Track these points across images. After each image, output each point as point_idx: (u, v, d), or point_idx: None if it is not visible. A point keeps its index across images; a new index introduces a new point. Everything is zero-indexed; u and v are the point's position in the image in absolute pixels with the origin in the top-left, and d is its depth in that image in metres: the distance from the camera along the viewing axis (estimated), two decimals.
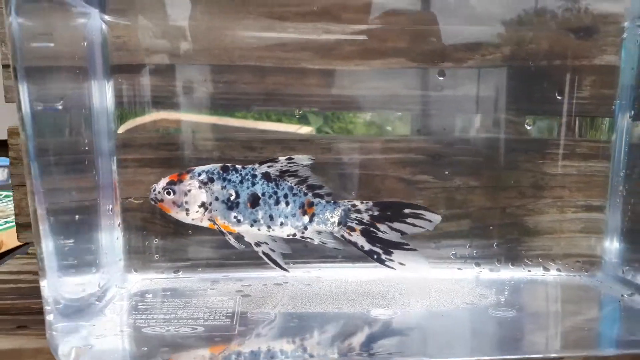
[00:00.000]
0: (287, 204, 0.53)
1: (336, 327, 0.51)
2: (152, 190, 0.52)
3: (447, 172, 0.67)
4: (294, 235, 0.54)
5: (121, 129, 0.61)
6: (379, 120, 0.68)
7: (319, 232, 0.55)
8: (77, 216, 0.52)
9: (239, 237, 0.54)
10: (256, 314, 0.52)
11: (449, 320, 0.52)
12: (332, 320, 0.52)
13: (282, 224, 0.53)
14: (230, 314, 0.52)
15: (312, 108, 0.66)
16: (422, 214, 0.53)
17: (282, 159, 0.53)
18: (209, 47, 0.63)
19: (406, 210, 0.53)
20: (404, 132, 0.69)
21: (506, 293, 0.60)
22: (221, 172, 0.53)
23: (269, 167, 0.53)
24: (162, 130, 0.64)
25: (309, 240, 0.55)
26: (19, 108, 0.43)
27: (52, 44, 0.50)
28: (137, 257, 0.62)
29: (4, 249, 1.38)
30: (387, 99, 0.67)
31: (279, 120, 0.67)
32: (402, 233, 0.54)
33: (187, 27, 0.61)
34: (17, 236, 0.75)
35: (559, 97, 0.65)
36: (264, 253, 0.53)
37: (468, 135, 0.68)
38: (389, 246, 0.54)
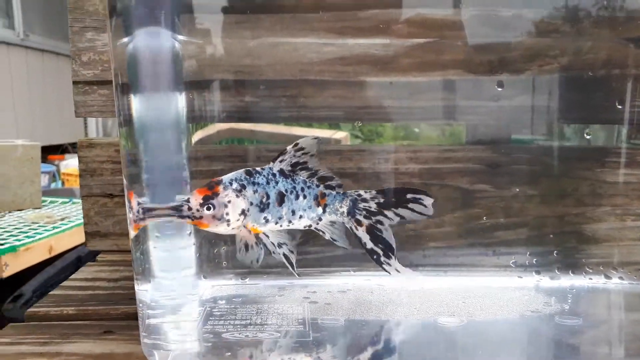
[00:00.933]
0: (305, 197, 0.55)
1: (406, 334, 0.52)
2: (183, 209, 0.51)
3: (505, 181, 0.68)
4: (310, 226, 0.56)
5: (193, 140, 0.64)
6: (435, 130, 0.70)
7: (332, 223, 0.56)
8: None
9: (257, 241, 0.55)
10: (326, 320, 0.54)
11: (517, 327, 0.53)
12: (401, 328, 0.53)
13: (300, 217, 0.55)
14: (301, 320, 0.54)
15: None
16: (421, 199, 0.55)
17: (289, 148, 0.55)
18: (272, 63, 0.65)
19: (408, 195, 0.55)
20: (462, 141, 0.70)
21: (569, 301, 0.60)
22: (248, 177, 0.54)
23: (281, 161, 0.55)
24: (228, 142, 0.67)
25: (321, 234, 0.56)
26: (126, 124, 0.47)
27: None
28: (206, 264, 0.65)
29: (53, 254, 1.44)
30: (446, 109, 0.69)
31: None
32: (402, 218, 0.55)
33: (252, 44, 0.64)
34: (86, 244, 0.78)
35: (620, 107, 0.65)
36: (284, 255, 0.54)
37: (524, 144, 0.69)
38: (390, 250, 0.55)
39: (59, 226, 1.46)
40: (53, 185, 2.91)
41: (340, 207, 0.56)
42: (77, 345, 0.49)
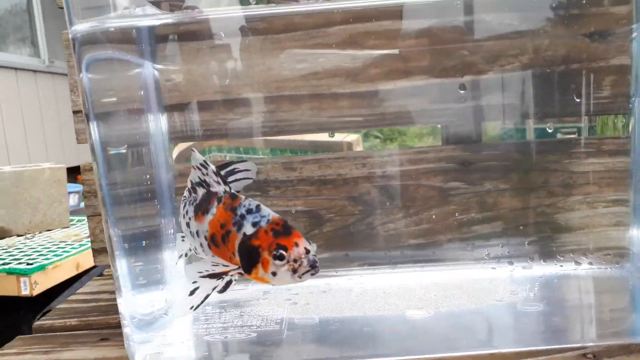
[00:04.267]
0: None
1: (374, 328, 0.56)
2: (303, 263, 0.44)
3: (477, 178, 0.71)
4: None
5: (174, 161, 0.70)
6: (408, 133, 0.74)
7: None
8: (144, 241, 0.60)
9: None
10: (302, 319, 0.58)
11: (478, 317, 0.57)
12: (370, 322, 0.57)
13: None
14: (279, 321, 0.58)
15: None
16: (236, 168, 0.52)
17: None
18: (249, 83, 0.70)
19: (223, 172, 0.51)
20: (433, 142, 0.74)
21: (536, 288, 0.63)
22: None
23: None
24: (212, 158, 0.72)
25: None
26: (92, 149, 0.52)
27: (115, 94, 0.59)
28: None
29: (80, 270, 1.51)
30: (415, 114, 0.72)
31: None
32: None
33: (229, 66, 0.69)
34: (94, 259, 0.85)
35: (578, 100, 0.68)
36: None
37: (493, 142, 0.72)
38: None
39: (85, 243, 1.54)
40: (82, 204, 3.03)
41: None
42: (75, 352, 0.54)
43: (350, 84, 0.70)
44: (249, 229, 0.45)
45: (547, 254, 0.70)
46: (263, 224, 0.45)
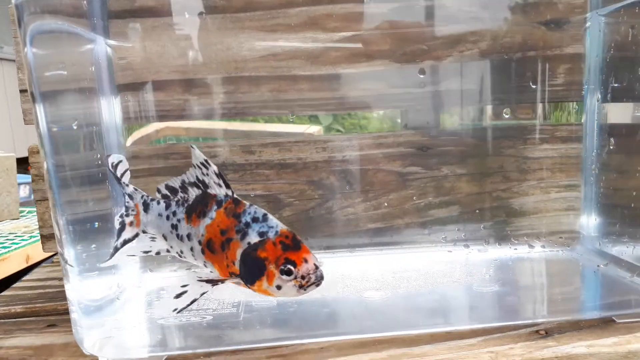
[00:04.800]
0: None
1: (332, 309, 0.56)
2: (311, 279, 0.43)
3: (435, 163, 0.72)
4: None
5: (129, 142, 0.67)
6: (369, 118, 0.73)
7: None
8: (95, 224, 0.58)
9: None
10: (260, 302, 0.57)
11: (434, 297, 0.57)
12: (328, 304, 0.57)
13: None
14: (236, 304, 0.57)
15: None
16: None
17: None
18: (207, 62, 0.68)
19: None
20: (392, 127, 0.74)
21: (491, 270, 0.64)
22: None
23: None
24: (167, 140, 0.70)
25: None
26: (38, 129, 0.49)
27: (64, 70, 0.56)
28: (151, 259, 0.68)
29: (30, 262, 1.45)
30: (375, 98, 0.72)
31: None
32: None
33: (186, 45, 0.67)
34: (42, 246, 0.81)
35: (534, 86, 0.69)
36: None
37: (451, 127, 0.73)
38: None
39: (35, 235, 1.47)
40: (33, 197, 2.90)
41: None
42: (19, 339, 0.52)
43: (311, 67, 0.70)
44: (254, 239, 0.43)
45: (502, 237, 0.71)
46: (271, 235, 0.43)
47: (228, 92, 0.69)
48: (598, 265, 0.63)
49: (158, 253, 0.49)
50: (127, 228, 0.48)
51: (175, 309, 0.45)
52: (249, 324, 0.53)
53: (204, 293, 0.45)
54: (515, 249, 0.70)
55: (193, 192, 0.47)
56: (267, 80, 0.70)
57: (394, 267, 0.68)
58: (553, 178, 0.72)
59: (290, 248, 0.43)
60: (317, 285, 0.43)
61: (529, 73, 0.70)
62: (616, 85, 0.63)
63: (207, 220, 0.45)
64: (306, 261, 0.43)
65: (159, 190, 0.48)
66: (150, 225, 0.48)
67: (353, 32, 0.69)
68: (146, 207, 0.49)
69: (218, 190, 0.45)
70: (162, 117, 0.69)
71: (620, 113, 0.65)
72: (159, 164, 0.70)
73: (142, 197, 0.49)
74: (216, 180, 0.45)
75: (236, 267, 0.44)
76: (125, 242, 0.49)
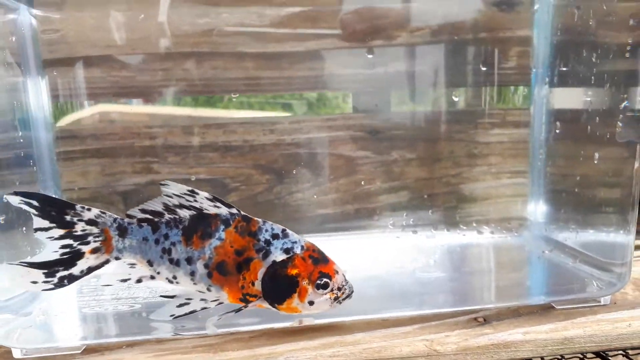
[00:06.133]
0: None
1: None
2: (345, 291, 0.43)
3: (385, 147, 0.70)
4: None
5: (61, 122, 0.63)
6: (316, 99, 0.71)
7: None
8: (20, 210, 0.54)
9: None
10: None
11: (375, 283, 0.55)
12: None
13: None
14: (169, 292, 0.54)
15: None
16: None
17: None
18: (145, 36, 0.64)
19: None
20: (340, 110, 0.72)
21: (437, 256, 0.63)
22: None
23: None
24: (102, 120, 0.66)
25: None
26: None
27: None
28: None
29: None
30: (323, 78, 0.69)
31: (225, 106, 0.69)
32: None
33: (121, 17, 0.63)
34: None
35: (484, 69, 0.67)
36: None
37: (402, 110, 0.71)
38: None
39: None
40: None
41: None
42: None
43: (257, 44, 0.67)
44: (280, 256, 0.42)
45: (451, 223, 0.70)
46: (297, 250, 0.42)
47: (166, 69, 0.66)
48: (543, 252, 0.62)
49: (139, 281, 0.44)
50: (89, 255, 0.43)
51: (172, 315, 0.43)
52: None
53: (204, 308, 0.43)
54: (464, 234, 0.69)
55: (184, 214, 0.43)
56: (210, 57, 0.66)
57: (341, 253, 0.65)
58: (504, 164, 0.71)
59: (321, 261, 0.43)
60: (350, 297, 0.43)
61: (480, 55, 0.68)
62: (564, 69, 0.62)
63: (214, 242, 0.42)
64: (337, 273, 0.43)
65: (130, 216, 0.43)
66: (130, 250, 0.43)
67: (301, 7, 0.66)
68: (123, 231, 0.43)
69: (217, 210, 0.43)
70: (95, 96, 0.65)
71: (567, 98, 0.64)
72: (95, 145, 0.66)
73: (115, 220, 0.43)
74: (211, 204, 0.43)
75: (256, 288, 0.42)
76: (91, 269, 0.43)
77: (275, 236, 0.43)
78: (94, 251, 0.43)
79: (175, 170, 0.68)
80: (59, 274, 0.42)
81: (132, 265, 0.44)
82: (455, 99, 0.69)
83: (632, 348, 0.47)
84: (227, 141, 0.69)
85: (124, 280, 0.44)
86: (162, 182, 0.43)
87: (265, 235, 0.43)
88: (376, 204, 0.71)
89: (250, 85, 0.68)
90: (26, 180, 0.58)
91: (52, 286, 0.42)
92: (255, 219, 0.43)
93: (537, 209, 0.67)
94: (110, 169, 0.66)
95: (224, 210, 0.43)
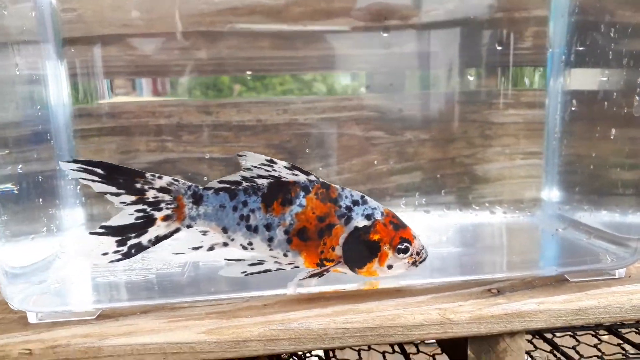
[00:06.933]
0: None
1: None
2: (422, 254, 0.45)
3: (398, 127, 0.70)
4: None
5: (78, 100, 0.64)
6: (330, 79, 0.71)
7: None
8: (38, 183, 0.55)
9: None
10: (207, 262, 0.55)
11: None
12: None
13: None
14: (182, 264, 0.55)
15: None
16: None
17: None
18: (161, 16, 0.65)
19: None
20: (354, 90, 0.72)
21: (449, 234, 0.63)
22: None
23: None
24: (119, 99, 0.67)
25: None
26: None
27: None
28: (99, 220, 0.65)
29: None
30: (337, 58, 0.69)
31: (231, 83, 0.69)
32: None
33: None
34: None
35: (499, 48, 0.67)
36: None
37: (416, 91, 0.71)
38: None
39: None
40: None
41: None
42: None
43: (272, 23, 0.67)
44: (362, 222, 0.43)
45: (464, 203, 0.70)
46: (378, 216, 0.44)
47: (184, 48, 0.66)
48: (556, 230, 0.62)
49: (211, 248, 0.45)
50: (160, 223, 0.43)
51: (243, 272, 0.44)
52: (192, 281, 0.51)
53: (280, 269, 0.45)
54: (477, 214, 0.68)
55: (262, 182, 0.44)
56: (225, 36, 0.66)
57: None
58: (517, 144, 0.70)
59: (400, 227, 0.44)
60: (425, 261, 0.45)
61: (496, 35, 0.68)
62: (580, 49, 0.61)
63: (295, 209, 0.43)
64: (415, 238, 0.45)
65: (207, 189, 0.44)
66: (205, 218, 0.44)
67: None
68: (197, 199, 0.44)
69: (295, 178, 0.44)
70: (112, 74, 0.65)
71: (583, 78, 0.63)
72: (110, 124, 0.67)
73: (190, 188, 0.44)
74: (289, 172, 0.44)
75: (335, 253, 0.43)
76: (159, 239, 0.44)
77: (355, 202, 0.44)
78: (165, 218, 0.43)
79: (188, 149, 0.69)
80: (130, 242, 0.43)
81: (205, 232, 0.45)
82: (470, 78, 0.68)
83: None
84: (241, 120, 0.69)
85: (196, 248, 0.45)
86: (240, 154, 0.43)
87: (345, 202, 0.44)
88: (390, 183, 0.71)
89: (265, 65, 0.69)
90: (44, 157, 0.59)
91: (121, 256, 0.43)
92: (334, 185, 0.44)
93: (551, 189, 0.67)
94: (125, 147, 0.67)
95: (302, 178, 0.44)
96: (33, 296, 0.47)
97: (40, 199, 0.56)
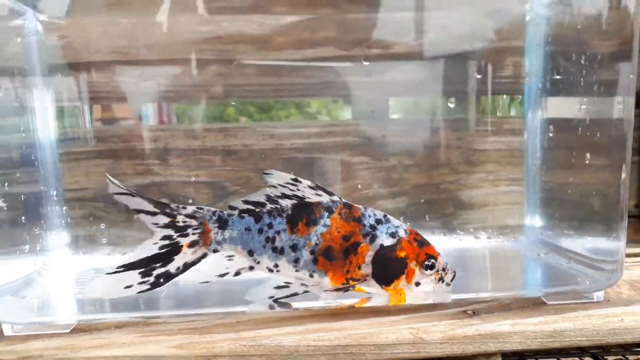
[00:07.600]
0: None
1: None
2: (449, 271, 0.46)
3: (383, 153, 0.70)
4: None
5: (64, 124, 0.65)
6: (315, 106, 0.72)
7: None
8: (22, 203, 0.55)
9: None
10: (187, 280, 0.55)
11: None
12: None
13: None
14: None
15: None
16: None
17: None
18: (148, 44, 0.66)
19: None
20: (340, 117, 0.73)
21: None
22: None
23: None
24: (106, 123, 0.68)
25: None
26: None
27: None
28: (84, 241, 0.65)
29: None
30: (321, 86, 0.71)
31: (220, 113, 0.71)
32: None
33: (126, 24, 0.65)
34: None
35: (479, 76, 0.68)
36: None
37: (400, 117, 0.72)
38: None
39: None
40: None
41: None
42: None
43: (257, 52, 0.68)
44: (387, 240, 0.44)
45: (448, 228, 0.70)
46: (402, 234, 0.45)
47: (170, 75, 0.68)
48: (538, 254, 0.62)
49: (238, 273, 0.45)
50: (186, 250, 0.43)
51: (271, 297, 0.45)
52: (169, 297, 0.51)
53: (305, 292, 0.45)
54: (461, 239, 0.68)
55: (285, 203, 0.45)
56: (212, 63, 0.68)
57: None
58: (500, 171, 0.71)
59: (425, 244, 0.45)
60: (455, 277, 0.46)
61: (476, 64, 0.69)
62: (556, 77, 0.63)
63: (320, 229, 0.44)
64: (439, 254, 0.45)
65: (232, 207, 0.45)
66: (230, 242, 0.44)
67: (299, 16, 0.68)
68: (223, 223, 0.44)
69: (318, 198, 0.45)
70: (97, 100, 0.67)
71: (559, 107, 0.64)
72: (99, 147, 0.67)
73: (215, 213, 0.44)
74: (312, 192, 0.45)
75: (361, 272, 0.44)
76: (187, 266, 0.44)
77: (378, 221, 0.45)
78: (192, 245, 0.43)
79: (175, 172, 0.69)
80: (155, 272, 0.43)
81: (230, 257, 0.45)
82: (451, 105, 0.69)
83: (627, 344, 0.47)
84: (227, 145, 0.70)
85: (222, 275, 0.45)
86: (266, 172, 0.44)
87: (369, 221, 0.45)
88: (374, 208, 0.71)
89: (251, 91, 0.70)
90: (30, 179, 0.60)
91: (149, 286, 0.42)
92: (356, 205, 0.45)
93: (534, 215, 0.67)
94: (113, 170, 0.68)
95: (325, 198, 0.45)
96: (11, 310, 0.47)
97: (22, 217, 0.57)
